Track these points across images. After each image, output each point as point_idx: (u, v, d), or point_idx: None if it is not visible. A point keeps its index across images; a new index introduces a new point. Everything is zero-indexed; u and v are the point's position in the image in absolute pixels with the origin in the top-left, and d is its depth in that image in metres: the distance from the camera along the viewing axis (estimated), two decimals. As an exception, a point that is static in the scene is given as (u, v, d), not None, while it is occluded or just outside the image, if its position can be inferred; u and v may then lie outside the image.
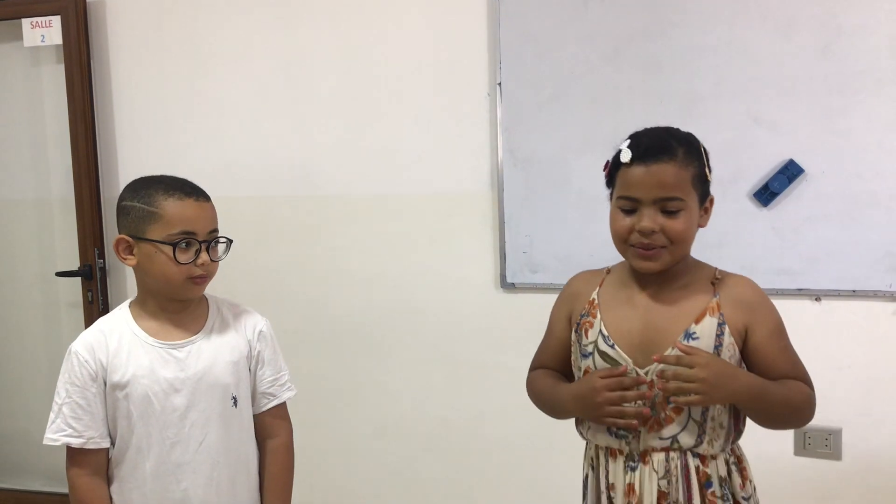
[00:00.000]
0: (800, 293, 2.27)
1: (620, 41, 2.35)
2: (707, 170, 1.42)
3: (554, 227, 2.47)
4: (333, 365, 2.80)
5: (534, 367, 1.67)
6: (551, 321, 1.64)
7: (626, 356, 1.43)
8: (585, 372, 1.48)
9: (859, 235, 2.20)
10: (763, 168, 2.25)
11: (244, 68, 2.79)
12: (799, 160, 2.21)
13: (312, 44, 2.70)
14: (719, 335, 1.40)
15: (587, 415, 1.46)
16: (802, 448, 2.33)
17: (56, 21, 2.88)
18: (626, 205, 1.41)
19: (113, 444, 1.57)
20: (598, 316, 1.48)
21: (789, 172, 2.21)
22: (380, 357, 2.75)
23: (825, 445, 2.30)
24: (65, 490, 1.59)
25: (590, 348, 1.47)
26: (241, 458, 1.65)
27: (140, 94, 2.91)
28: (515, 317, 2.55)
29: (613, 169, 1.45)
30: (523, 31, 2.43)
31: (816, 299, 2.28)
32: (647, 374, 1.41)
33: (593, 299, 1.52)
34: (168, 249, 1.51)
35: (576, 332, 1.53)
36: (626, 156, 1.40)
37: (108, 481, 1.59)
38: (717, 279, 1.46)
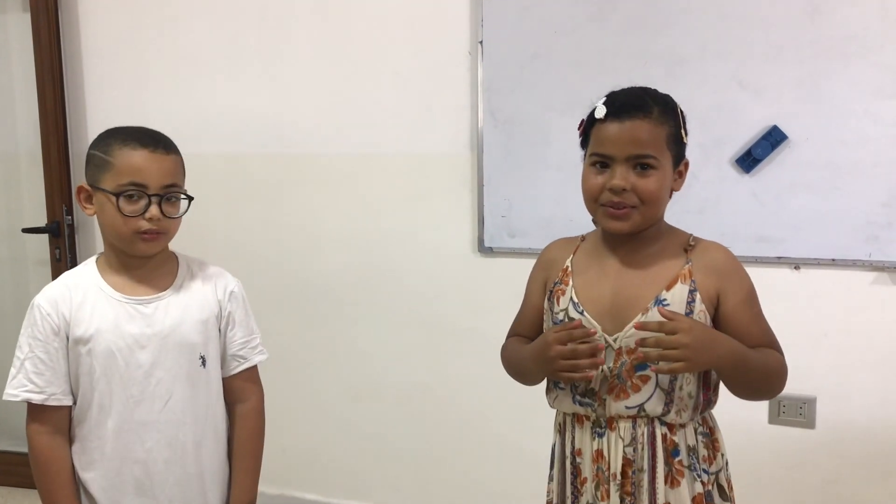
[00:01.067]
0: (779, 261, 2.25)
1: (605, 0, 2.29)
2: (683, 131, 1.41)
3: (534, 191, 2.43)
4: (306, 327, 2.76)
5: (509, 336, 1.66)
6: (527, 290, 1.62)
7: (595, 322, 1.41)
8: None
9: (841, 204, 2.18)
10: (746, 134, 2.21)
11: (218, 21, 2.70)
12: (783, 126, 2.18)
13: (289, -3, 2.62)
14: (690, 302, 1.38)
15: (544, 370, 1.45)
16: (776, 416, 2.33)
17: (21, -33, 2.78)
18: (599, 162, 1.39)
19: (75, 402, 1.53)
20: (570, 283, 1.47)
21: (773, 139, 2.18)
22: (354, 320, 2.71)
23: (799, 414, 2.31)
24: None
25: (560, 315, 1.46)
26: (208, 420, 1.61)
27: (110, 44, 2.82)
28: (493, 282, 2.52)
29: (588, 126, 1.43)
30: (506, -12, 2.37)
31: (795, 268, 2.26)
32: (616, 340, 1.39)
33: (567, 266, 1.51)
34: (115, 199, 1.46)
35: (548, 299, 1.51)
36: (600, 112, 1.38)
37: (70, 441, 1.54)
38: (690, 245, 1.44)
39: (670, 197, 1.43)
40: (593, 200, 1.41)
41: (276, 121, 2.69)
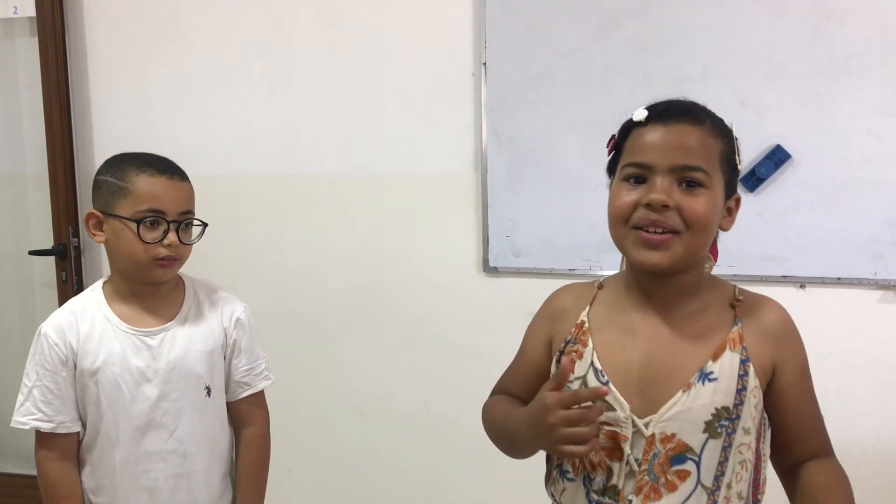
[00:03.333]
0: (784, 280, 2.25)
1: (608, 20, 2.30)
2: (737, 157, 1.17)
3: (538, 211, 2.43)
4: (311, 346, 2.76)
5: (494, 392, 1.38)
6: (526, 341, 1.33)
7: (621, 399, 1.12)
8: None
9: (845, 222, 2.18)
10: (750, 153, 2.21)
11: (224, 44, 2.72)
12: (786, 145, 2.18)
13: (294, 19, 2.63)
14: (742, 376, 1.10)
15: (538, 442, 1.12)
16: (784, 435, 2.32)
17: (29, -8, 2.79)
18: (634, 175, 1.11)
19: (84, 427, 1.53)
20: (590, 344, 1.17)
21: (776, 158, 2.19)
22: (359, 339, 2.71)
23: (807, 433, 2.29)
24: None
25: (575, 385, 1.16)
26: (214, 447, 1.61)
27: (116, 68, 2.84)
28: (497, 301, 2.51)
29: (621, 139, 1.17)
30: (509, 9, 2.38)
31: (801, 286, 2.26)
32: (647, 425, 1.11)
33: (582, 321, 1.21)
34: (134, 226, 1.46)
35: (557, 362, 1.22)
36: (640, 114, 1.13)
37: (80, 465, 1.55)
38: (737, 300, 1.17)
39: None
40: (623, 221, 1.11)
41: (281, 141, 2.70)
